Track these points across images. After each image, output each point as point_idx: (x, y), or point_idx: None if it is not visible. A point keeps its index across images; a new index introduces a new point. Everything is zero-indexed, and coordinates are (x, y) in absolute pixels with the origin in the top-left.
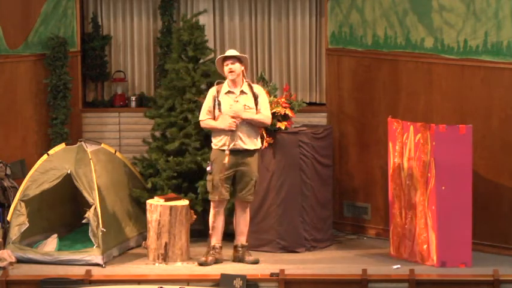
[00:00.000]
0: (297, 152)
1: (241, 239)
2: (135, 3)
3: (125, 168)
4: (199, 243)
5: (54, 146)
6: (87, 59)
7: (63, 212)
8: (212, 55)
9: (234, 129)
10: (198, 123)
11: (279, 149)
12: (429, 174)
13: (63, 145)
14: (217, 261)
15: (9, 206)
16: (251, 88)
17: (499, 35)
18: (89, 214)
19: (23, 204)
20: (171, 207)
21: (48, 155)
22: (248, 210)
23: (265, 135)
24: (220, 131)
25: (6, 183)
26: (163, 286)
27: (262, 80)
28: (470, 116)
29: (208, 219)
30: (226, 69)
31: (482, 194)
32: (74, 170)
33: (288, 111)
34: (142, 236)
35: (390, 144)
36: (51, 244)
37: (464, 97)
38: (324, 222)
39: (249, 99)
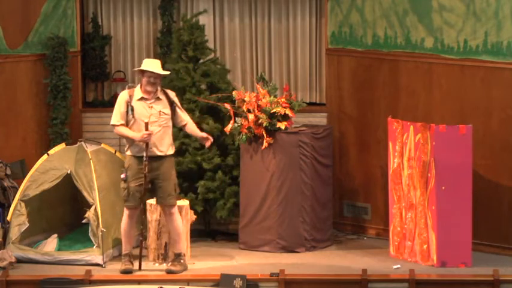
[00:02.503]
0: (297, 152)
1: (174, 247)
2: (135, 3)
3: None
4: (200, 243)
5: (54, 146)
6: (87, 59)
7: (63, 212)
8: (212, 55)
9: (149, 141)
10: (198, 123)
11: (279, 149)
12: (429, 174)
13: (63, 145)
14: (128, 270)
15: (9, 206)
16: (166, 94)
17: (499, 35)
18: (89, 214)
19: (23, 204)
20: None
21: (48, 155)
22: (176, 214)
23: (265, 135)
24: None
25: (6, 183)
26: (163, 286)
27: (262, 80)
28: (470, 116)
29: (208, 220)
30: (146, 80)
31: (482, 194)
32: (74, 170)
33: (288, 111)
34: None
35: (390, 144)
36: (51, 244)
37: (464, 97)
38: (324, 222)
39: (164, 105)
